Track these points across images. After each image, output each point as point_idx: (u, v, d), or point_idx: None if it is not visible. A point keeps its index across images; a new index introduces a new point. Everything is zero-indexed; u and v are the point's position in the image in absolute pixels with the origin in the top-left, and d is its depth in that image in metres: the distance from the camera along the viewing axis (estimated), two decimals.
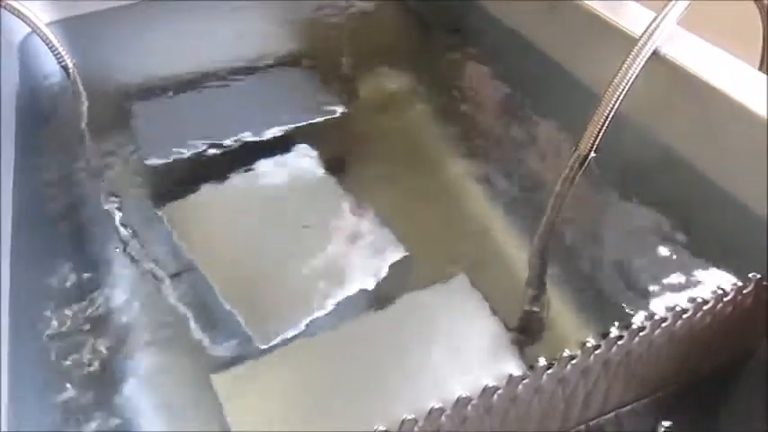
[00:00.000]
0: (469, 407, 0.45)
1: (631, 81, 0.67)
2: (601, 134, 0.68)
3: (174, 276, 0.67)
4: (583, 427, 0.53)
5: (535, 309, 0.63)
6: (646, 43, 0.68)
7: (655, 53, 0.69)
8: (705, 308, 0.50)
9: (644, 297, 0.62)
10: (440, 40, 1.06)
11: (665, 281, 0.63)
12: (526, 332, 0.60)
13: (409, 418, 0.42)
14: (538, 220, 0.68)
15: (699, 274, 0.64)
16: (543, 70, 0.92)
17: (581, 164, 0.68)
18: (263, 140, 0.84)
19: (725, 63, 0.70)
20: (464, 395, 0.44)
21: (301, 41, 1.06)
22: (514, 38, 0.98)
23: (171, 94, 0.94)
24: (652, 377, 0.53)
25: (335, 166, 0.80)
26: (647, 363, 0.51)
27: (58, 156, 0.85)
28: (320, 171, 0.79)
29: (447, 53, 1.03)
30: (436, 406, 0.43)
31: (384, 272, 0.66)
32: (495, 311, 0.61)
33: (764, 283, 0.51)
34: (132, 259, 0.70)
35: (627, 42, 0.71)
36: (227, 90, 0.94)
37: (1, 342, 0.57)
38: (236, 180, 0.78)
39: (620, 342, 0.48)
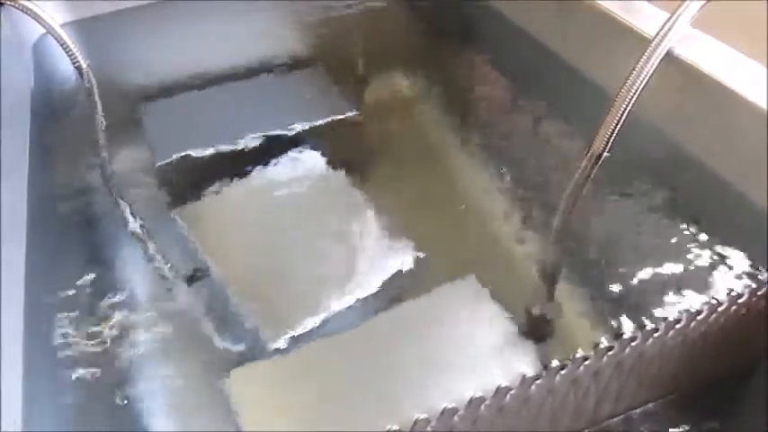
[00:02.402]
0: (482, 407, 0.44)
1: (645, 81, 0.67)
2: (614, 134, 0.67)
3: (187, 276, 0.68)
4: (595, 428, 0.53)
5: (547, 309, 0.62)
6: (659, 44, 0.68)
7: (668, 54, 0.69)
8: (719, 309, 0.50)
9: (657, 298, 0.62)
10: (450, 41, 1.06)
11: (679, 281, 0.63)
12: (538, 332, 0.60)
13: (422, 417, 0.42)
14: (550, 221, 0.68)
15: (713, 274, 0.63)
16: (555, 71, 0.92)
17: (594, 164, 0.68)
18: (274, 141, 0.84)
19: (739, 63, 0.70)
20: (477, 395, 0.44)
21: (312, 43, 1.06)
22: (525, 38, 0.98)
23: (183, 94, 0.94)
24: (665, 379, 0.53)
25: (346, 166, 0.80)
26: (659, 364, 0.51)
27: (71, 155, 0.85)
28: (331, 172, 0.79)
29: (457, 54, 1.03)
30: (449, 406, 0.43)
31: (395, 272, 0.66)
32: (506, 311, 0.61)
33: None
34: (145, 258, 0.70)
35: (640, 43, 0.70)
36: (238, 91, 0.94)
37: (1, 340, 0.57)
38: (248, 181, 0.79)
39: (633, 343, 0.48)
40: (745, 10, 0.71)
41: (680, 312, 0.49)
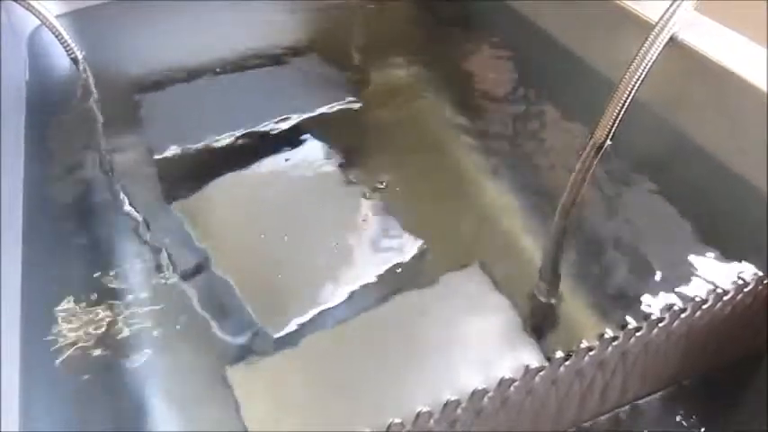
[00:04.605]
0: (486, 399, 0.44)
1: (648, 68, 0.66)
2: (617, 122, 0.67)
3: (187, 269, 0.67)
4: (600, 419, 0.52)
5: (550, 299, 0.62)
6: (663, 29, 0.67)
7: (672, 39, 0.68)
8: (725, 298, 0.49)
9: (662, 287, 0.61)
10: (450, 28, 1.05)
11: (684, 270, 0.63)
12: (541, 323, 0.60)
13: (425, 410, 0.42)
14: (552, 210, 0.67)
15: (718, 263, 0.63)
16: (558, 58, 0.91)
17: (596, 152, 0.67)
18: (273, 131, 0.84)
19: (744, 48, 0.69)
20: (480, 387, 0.43)
21: (311, 31, 1.05)
22: (527, 25, 0.97)
23: (180, 85, 0.93)
24: (670, 369, 0.53)
25: (347, 156, 0.79)
26: (665, 354, 0.50)
27: (68, 148, 0.84)
28: (332, 162, 0.78)
29: (458, 41, 1.02)
30: (452, 398, 0.43)
31: (397, 263, 0.65)
32: (510, 302, 0.61)
33: None
34: (143, 251, 0.69)
35: (643, 28, 0.69)
36: (238, 81, 0.93)
37: (4, 336, 0.56)
38: (248, 171, 0.78)
39: (638, 333, 0.47)
40: None
41: (685, 302, 0.48)
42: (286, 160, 0.78)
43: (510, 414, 0.46)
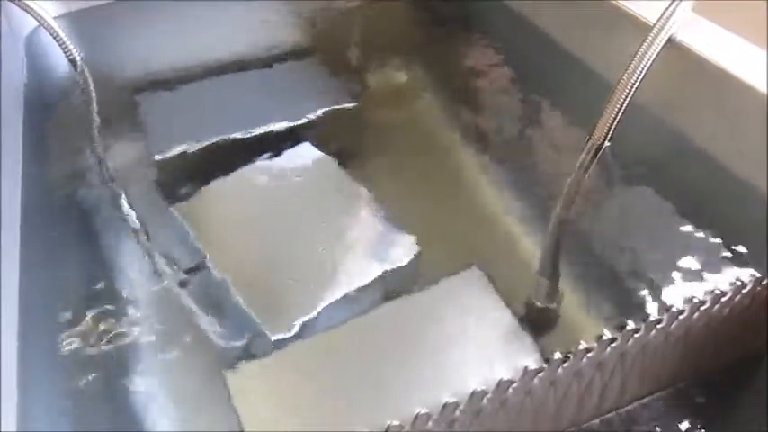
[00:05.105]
0: (484, 400, 0.44)
1: (646, 69, 0.66)
2: (615, 123, 0.67)
3: (186, 270, 0.67)
4: (598, 420, 0.52)
5: (548, 300, 0.62)
6: (661, 30, 0.67)
7: (670, 40, 0.68)
8: (723, 300, 0.49)
9: (660, 288, 0.61)
10: (450, 29, 1.05)
11: (682, 272, 0.63)
12: (540, 324, 0.60)
13: (423, 412, 0.42)
14: (551, 211, 0.67)
15: (716, 264, 0.63)
16: (556, 59, 0.91)
17: (595, 153, 0.67)
18: (272, 133, 0.84)
19: (742, 49, 0.69)
20: (479, 389, 0.43)
21: (311, 33, 1.05)
22: (526, 26, 0.97)
23: (179, 87, 0.93)
24: (669, 370, 0.53)
25: (346, 158, 0.79)
26: (663, 355, 0.50)
27: (66, 150, 0.84)
28: (330, 163, 0.78)
29: (456, 43, 1.02)
30: (450, 400, 0.43)
31: (395, 264, 0.65)
32: (508, 303, 0.61)
33: None
34: (142, 253, 0.69)
35: (641, 30, 0.70)
36: (236, 83, 0.93)
37: (2, 337, 0.56)
38: (246, 173, 0.78)
39: (636, 335, 0.47)
40: None
41: (683, 303, 0.48)
42: (290, 168, 0.78)
43: (509, 415, 0.46)
